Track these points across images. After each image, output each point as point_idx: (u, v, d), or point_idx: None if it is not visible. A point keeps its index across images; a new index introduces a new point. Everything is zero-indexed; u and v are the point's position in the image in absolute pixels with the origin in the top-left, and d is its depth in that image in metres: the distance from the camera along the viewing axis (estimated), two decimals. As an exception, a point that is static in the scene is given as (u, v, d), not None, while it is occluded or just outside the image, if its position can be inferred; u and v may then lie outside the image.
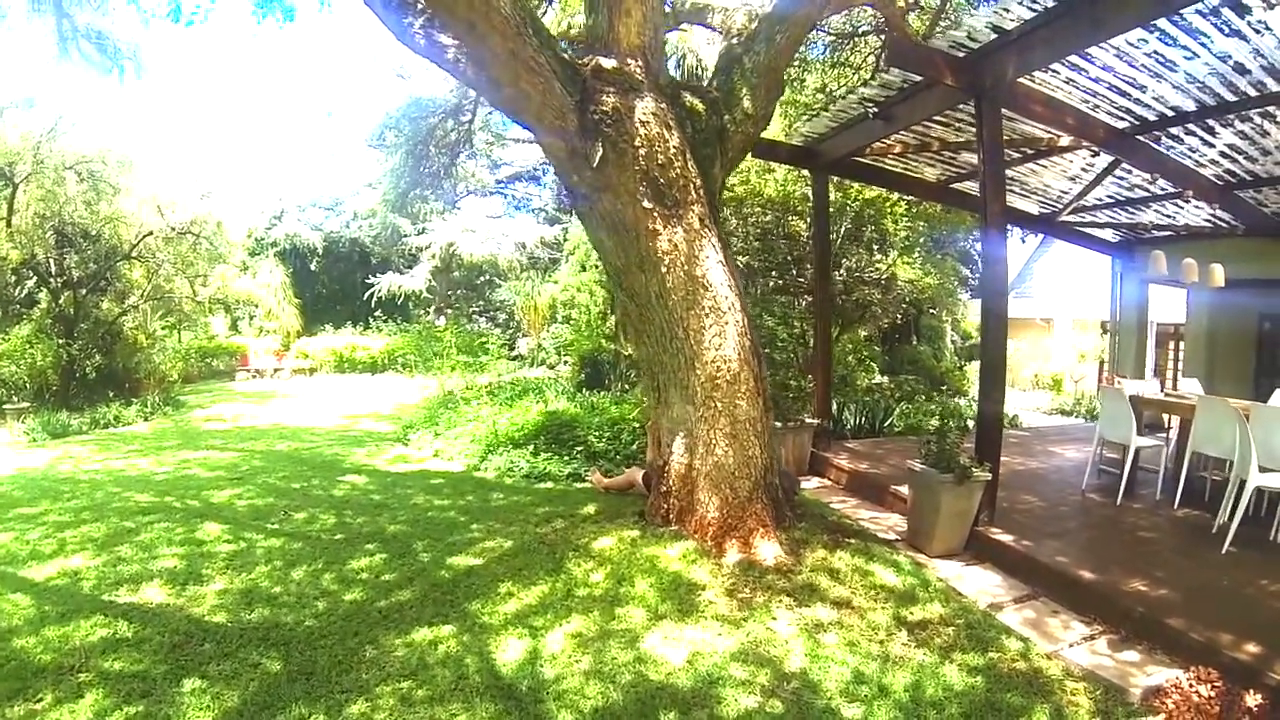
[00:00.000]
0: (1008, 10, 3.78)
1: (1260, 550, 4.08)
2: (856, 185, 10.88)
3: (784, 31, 4.26)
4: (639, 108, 3.76)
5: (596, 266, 15.66)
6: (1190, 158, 5.55)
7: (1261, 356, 7.33)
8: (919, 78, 4.79)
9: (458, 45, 4.26)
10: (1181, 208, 6.79)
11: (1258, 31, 3.55)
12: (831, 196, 10.74)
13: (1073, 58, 4.17)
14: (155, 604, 3.31)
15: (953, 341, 17.50)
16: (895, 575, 3.86)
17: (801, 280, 11.20)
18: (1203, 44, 3.75)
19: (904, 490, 5.15)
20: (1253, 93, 4.15)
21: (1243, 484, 4.11)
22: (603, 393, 9.76)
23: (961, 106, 5.11)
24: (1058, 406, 12.26)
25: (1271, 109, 4.33)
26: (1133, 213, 7.31)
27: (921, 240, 13.91)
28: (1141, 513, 4.93)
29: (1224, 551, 4.01)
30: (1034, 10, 3.70)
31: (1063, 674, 2.94)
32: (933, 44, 4.26)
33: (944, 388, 14.50)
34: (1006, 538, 4.29)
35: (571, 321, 15.42)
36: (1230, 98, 4.30)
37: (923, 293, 13.46)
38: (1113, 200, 7.15)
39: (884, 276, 12.38)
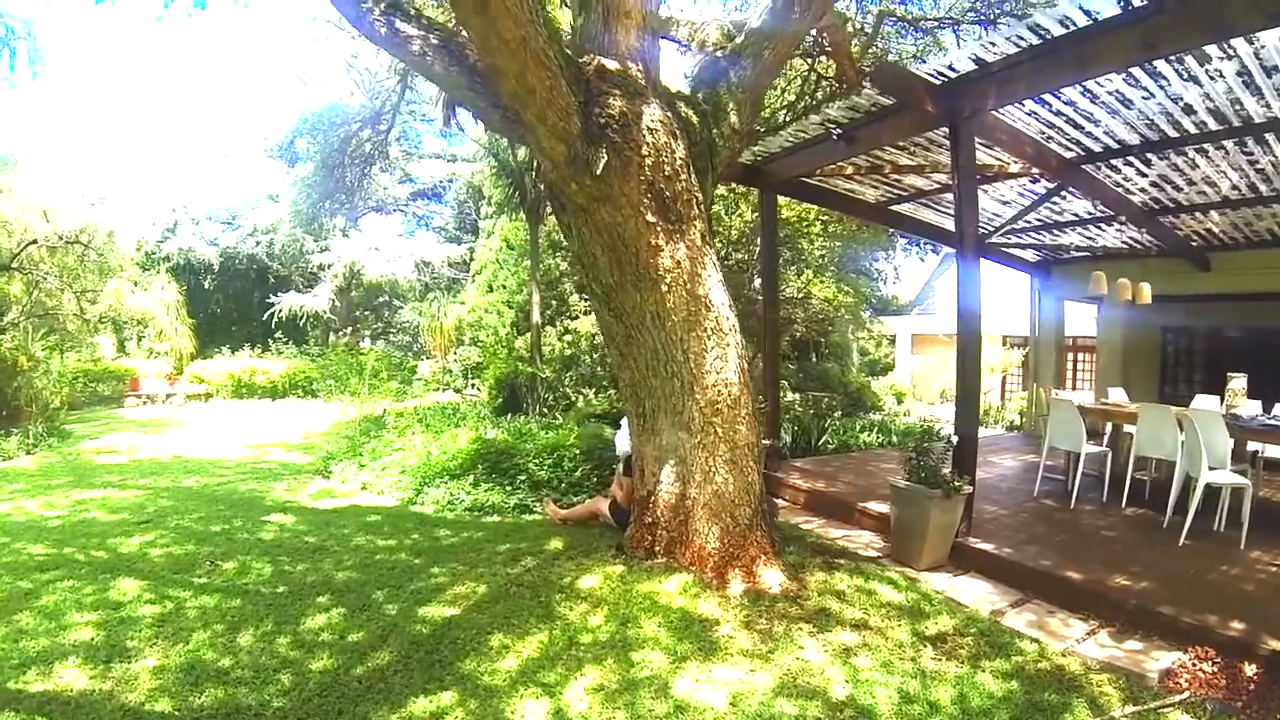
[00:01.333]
0: (994, 44, 4.08)
1: (1211, 540, 4.61)
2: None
3: (772, 48, 4.37)
4: (646, 114, 3.71)
5: (505, 287, 15.97)
6: (1123, 185, 6.23)
7: (1165, 366, 8.40)
8: (888, 101, 5.15)
9: (424, 37, 4.11)
10: (1104, 230, 7.69)
11: (1212, 78, 4.07)
12: (749, 216, 11.40)
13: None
14: (77, 691, 2.79)
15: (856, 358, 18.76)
16: (896, 592, 3.99)
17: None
18: (1160, 85, 4.24)
19: (873, 508, 5.44)
20: (1193, 130, 4.75)
21: (1191, 481, 4.66)
22: (523, 417, 9.75)
23: (927, 134, 5.52)
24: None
25: (1207, 145, 4.98)
26: (1056, 235, 8.18)
27: (835, 259, 14.90)
28: (1096, 514, 5.41)
29: (1181, 544, 4.51)
30: (1018, 46, 4.01)
31: (1083, 669, 3.16)
32: (915, 70, 4.57)
33: (862, 404, 15.44)
34: (987, 546, 4.58)
35: (480, 343, 15.39)
36: (1173, 134, 4.89)
37: (836, 310, 14.38)
38: (1041, 223, 7.96)
39: (801, 294, 13.15)
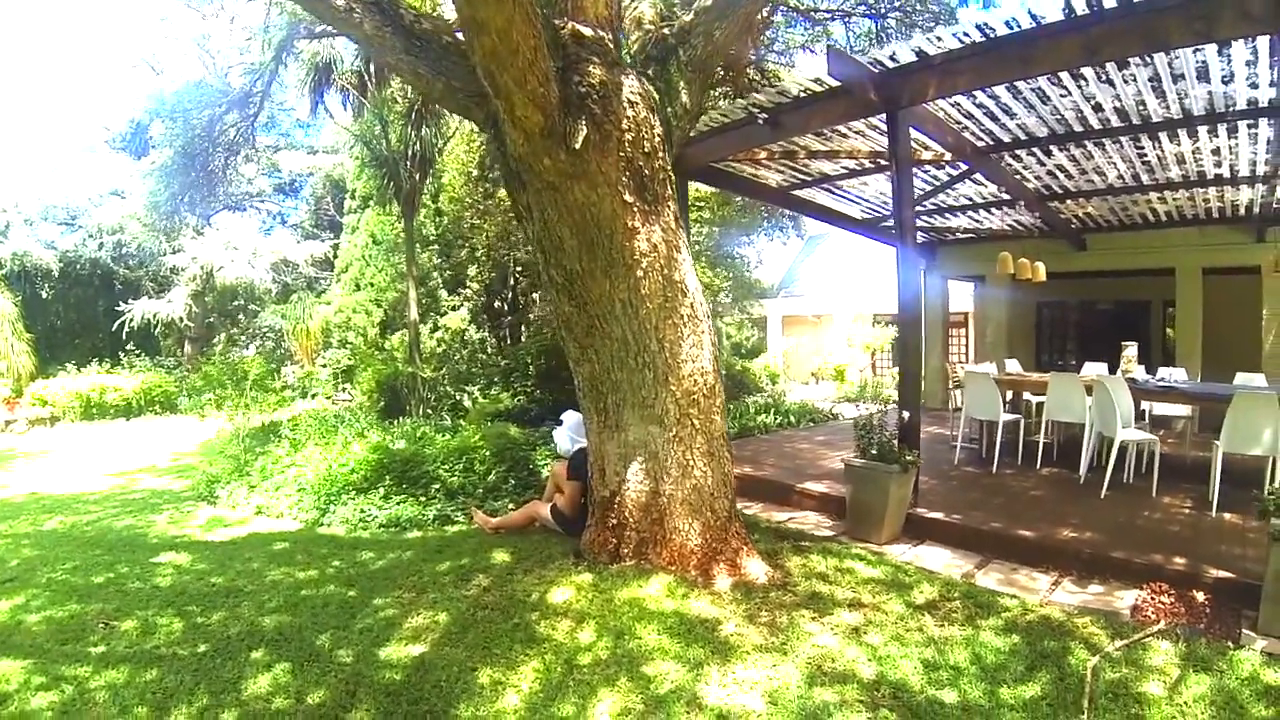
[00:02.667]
0: (940, 39, 4.38)
1: (1126, 491, 5.29)
2: None
3: (723, 27, 4.40)
4: (626, 86, 3.57)
5: (372, 284, 15.44)
6: (1020, 173, 6.96)
7: (1040, 337, 9.59)
8: (818, 88, 5.40)
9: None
10: (991, 214, 8.61)
11: (1126, 82, 4.62)
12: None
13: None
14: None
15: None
16: (871, 568, 4.19)
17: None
18: (1079, 85, 4.76)
19: (812, 488, 5.74)
20: (1097, 126, 5.39)
21: (1104, 440, 5.37)
22: (408, 420, 9.33)
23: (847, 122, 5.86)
24: (844, 395, 14.18)
25: (1105, 140, 5.68)
26: (947, 218, 9.05)
27: (709, 245, 15.60)
28: (1018, 477, 6.03)
29: (1103, 496, 5.14)
30: (963, 42, 4.32)
31: (1065, 615, 3.50)
32: (858, 58, 4.82)
33: (745, 386, 16.20)
34: (936, 515, 4.94)
35: (350, 345, 14.64)
36: (1078, 129, 5.52)
37: (715, 295, 15.09)
38: (936, 207, 8.75)
39: None
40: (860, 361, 19.91)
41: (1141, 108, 5.11)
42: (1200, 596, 3.64)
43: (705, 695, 2.88)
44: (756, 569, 4.04)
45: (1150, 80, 4.64)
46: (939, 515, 4.98)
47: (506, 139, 3.63)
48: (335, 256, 17.13)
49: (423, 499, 5.76)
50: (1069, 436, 6.32)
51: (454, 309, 13.47)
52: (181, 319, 17.86)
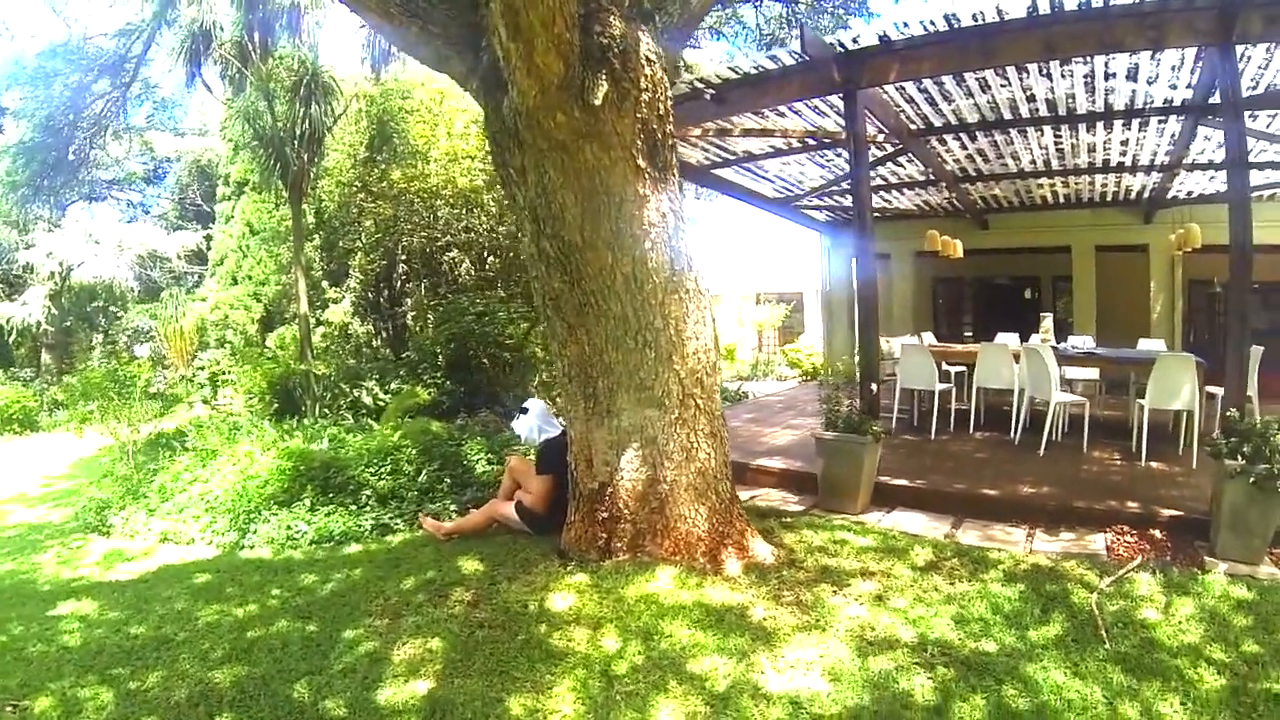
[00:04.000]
0: (907, 25, 4.55)
1: (1060, 449, 5.84)
2: None
3: None
4: (644, 42, 3.39)
5: (250, 277, 14.23)
6: (943, 156, 7.45)
7: (937, 310, 10.44)
8: (770, 65, 5.48)
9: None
10: (903, 194, 9.22)
11: (1063, 77, 5.04)
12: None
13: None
14: None
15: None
16: (861, 537, 4.33)
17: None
18: (1021, 76, 5.13)
19: (769, 464, 5.88)
20: (1025, 115, 5.87)
21: (1038, 403, 5.94)
22: (306, 421, 8.65)
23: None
24: (736, 374, 14.60)
25: (1028, 128, 6.21)
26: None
27: None
28: (957, 442, 6.48)
29: (1042, 454, 5.66)
30: (926, 30, 4.53)
31: (1052, 561, 3.85)
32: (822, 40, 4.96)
33: None
34: (900, 482, 5.21)
35: (229, 345, 13.27)
36: (1008, 116, 5.98)
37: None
38: (847, 187, 9.23)
39: None
40: (750, 340, 20.68)
41: (1070, 100, 5.65)
42: (1158, 534, 4.14)
43: (766, 684, 2.84)
44: (763, 549, 4.05)
45: (1085, 76, 5.14)
46: (903, 482, 5.26)
47: (512, 90, 3.35)
48: (209, 248, 15.44)
49: (353, 508, 5.29)
50: (990, 403, 6.92)
51: (336, 302, 12.58)
52: (39, 324, 15.63)
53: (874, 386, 5.31)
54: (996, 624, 3.21)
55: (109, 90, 8.33)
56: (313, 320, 12.16)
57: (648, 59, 3.48)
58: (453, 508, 5.29)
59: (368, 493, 5.46)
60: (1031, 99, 5.68)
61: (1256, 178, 7.25)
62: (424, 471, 5.79)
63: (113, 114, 8.73)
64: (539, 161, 3.54)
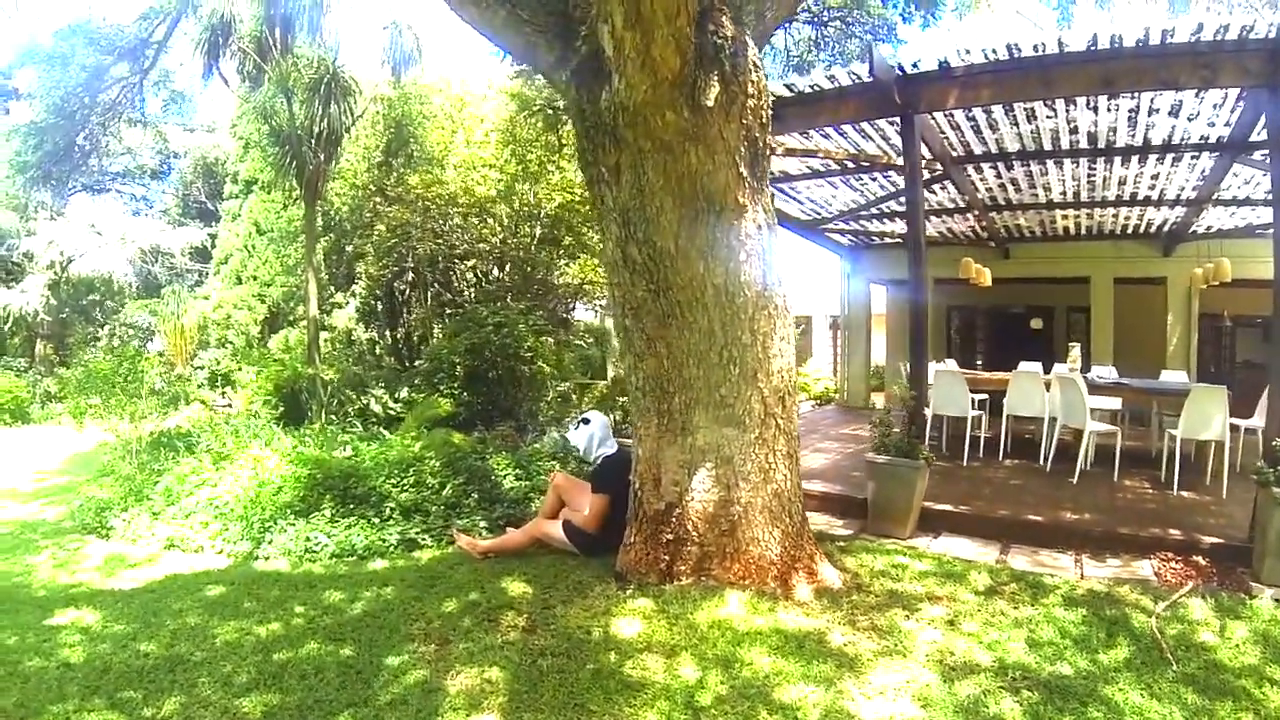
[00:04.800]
0: (968, 52, 4.71)
1: (1090, 477, 5.96)
2: (548, 188, 11.79)
3: (773, 9, 4.28)
4: (750, 46, 3.41)
5: (255, 278, 14.17)
6: (976, 184, 7.63)
7: (950, 338, 10.67)
8: (826, 85, 5.54)
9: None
10: (930, 221, 9.34)
11: (1109, 110, 5.21)
12: (517, 203, 11.54)
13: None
14: None
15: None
16: (918, 561, 4.38)
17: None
18: (1068, 108, 5.30)
19: (810, 488, 5.81)
20: (1066, 147, 6.05)
21: (1070, 432, 6.10)
22: (314, 428, 8.48)
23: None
24: None
25: (1065, 159, 6.37)
26: (884, 223, 9.79)
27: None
28: (989, 468, 6.60)
29: (1075, 481, 5.80)
30: (987, 58, 4.69)
31: (1106, 586, 3.96)
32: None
33: None
34: (945, 507, 5.28)
35: (230, 345, 13.08)
36: (1048, 147, 6.15)
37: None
38: (881, 212, 9.39)
39: (582, 282, 13.74)
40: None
41: (1111, 134, 5.86)
42: (1202, 560, 4.28)
43: (858, 711, 2.85)
44: (831, 574, 4.05)
45: (1130, 111, 5.34)
46: (947, 507, 5.34)
47: (618, 83, 3.30)
48: (214, 246, 15.24)
49: (375, 521, 5.18)
50: (1014, 430, 7.10)
51: (340, 307, 12.51)
52: (36, 313, 15.33)
53: (926, 412, 5.42)
54: (1067, 647, 3.30)
55: (127, 75, 8.20)
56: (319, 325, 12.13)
57: (755, 64, 3.50)
58: (482, 524, 5.22)
59: (391, 505, 5.34)
60: (1074, 130, 5.86)
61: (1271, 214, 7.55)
62: (449, 485, 5.71)
63: (128, 101, 8.60)
64: (637, 161, 3.50)
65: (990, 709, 2.85)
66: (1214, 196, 7.09)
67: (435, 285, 12.81)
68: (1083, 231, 9.52)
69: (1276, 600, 3.76)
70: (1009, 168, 7.01)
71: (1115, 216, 8.56)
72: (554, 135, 11.68)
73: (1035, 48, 4.56)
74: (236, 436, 7.20)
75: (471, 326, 10.28)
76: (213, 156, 17.77)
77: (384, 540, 4.92)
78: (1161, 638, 3.37)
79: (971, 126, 6.06)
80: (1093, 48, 4.42)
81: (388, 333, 12.99)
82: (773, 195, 4.41)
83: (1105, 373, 7.62)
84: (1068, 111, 5.49)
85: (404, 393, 10.87)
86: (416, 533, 5.04)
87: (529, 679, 3.04)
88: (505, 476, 6.11)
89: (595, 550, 4.37)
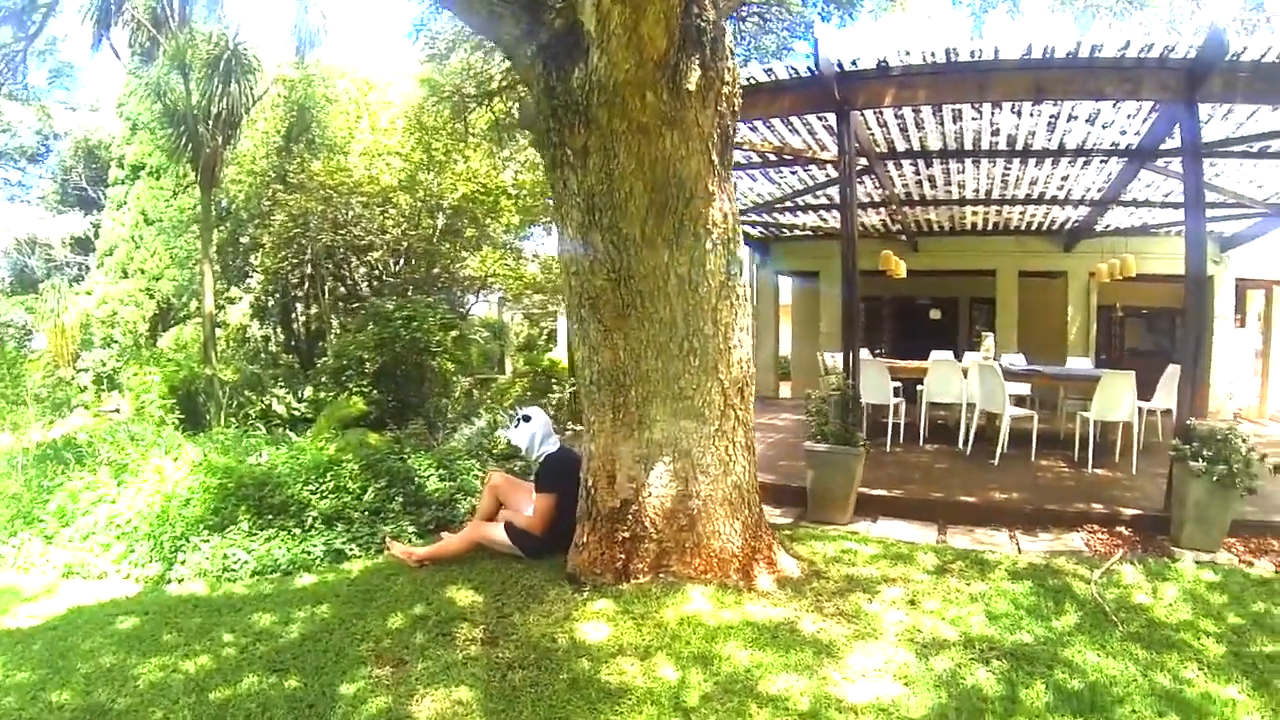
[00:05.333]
0: (909, 54, 4.83)
1: (1009, 459, 6.27)
2: (452, 178, 11.47)
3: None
4: (728, 33, 3.35)
5: (143, 271, 12.96)
6: (894, 180, 7.88)
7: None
8: (763, 78, 5.52)
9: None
10: (836, 214, 9.66)
11: (1031, 115, 5.48)
12: (421, 193, 11.15)
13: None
14: None
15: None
16: (865, 546, 4.48)
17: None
18: (994, 111, 5.53)
19: None
20: (985, 147, 6.35)
21: (991, 417, 6.40)
22: (220, 432, 7.87)
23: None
24: None
25: (983, 159, 6.70)
26: (796, 215, 10.00)
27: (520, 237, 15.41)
28: (913, 453, 6.85)
29: (996, 463, 6.12)
30: (925, 60, 4.84)
31: (1044, 559, 4.22)
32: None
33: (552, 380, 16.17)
34: (879, 492, 5.39)
35: (116, 345, 11.84)
36: (969, 147, 6.42)
37: (528, 288, 15.05)
38: (793, 205, 9.58)
39: (486, 274, 13.42)
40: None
41: (1030, 137, 6.18)
42: (1125, 530, 4.61)
43: (845, 696, 2.86)
44: (789, 563, 4.05)
45: (1051, 117, 5.65)
46: (881, 492, 5.46)
47: (597, 61, 3.16)
48: (96, 237, 13.66)
49: (296, 532, 4.73)
50: (932, 416, 7.41)
51: (234, 302, 11.56)
52: None
53: (863, 400, 5.52)
54: (1022, 617, 3.46)
55: (11, 41, 7.16)
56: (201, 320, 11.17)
57: (731, 50, 3.45)
58: (411, 530, 4.89)
59: (312, 514, 4.90)
60: (996, 133, 6.16)
61: (1164, 215, 8.31)
62: (370, 489, 5.31)
63: (10, 72, 7.53)
64: (608, 144, 3.35)
65: (967, 680, 2.93)
66: (1119, 197, 7.65)
67: (333, 279, 12.10)
68: (989, 227, 10.10)
69: (1197, 562, 4.08)
70: (929, 165, 7.29)
71: (1022, 214, 9.13)
72: (460, 123, 11.26)
73: (972, 53, 4.73)
74: (134, 445, 6.43)
75: (379, 320, 9.71)
76: (96, 139, 16.03)
77: (308, 553, 4.50)
78: (1104, 602, 3.60)
79: (899, 124, 6.23)
80: (1026, 57, 4.63)
81: (282, 329, 12.11)
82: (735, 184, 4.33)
83: (1015, 360, 8.10)
84: (992, 114, 5.75)
85: (308, 392, 10.16)
86: (343, 543, 4.64)
87: (503, 695, 2.85)
88: (428, 478, 5.76)
89: (541, 552, 4.21)
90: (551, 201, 3.96)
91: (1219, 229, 8.93)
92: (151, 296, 11.95)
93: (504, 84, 11.30)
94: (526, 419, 4.54)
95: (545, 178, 3.98)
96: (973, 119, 5.84)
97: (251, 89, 9.22)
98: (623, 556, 3.82)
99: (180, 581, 4.30)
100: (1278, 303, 10.24)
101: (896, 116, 6.03)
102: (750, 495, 4.01)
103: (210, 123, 8.71)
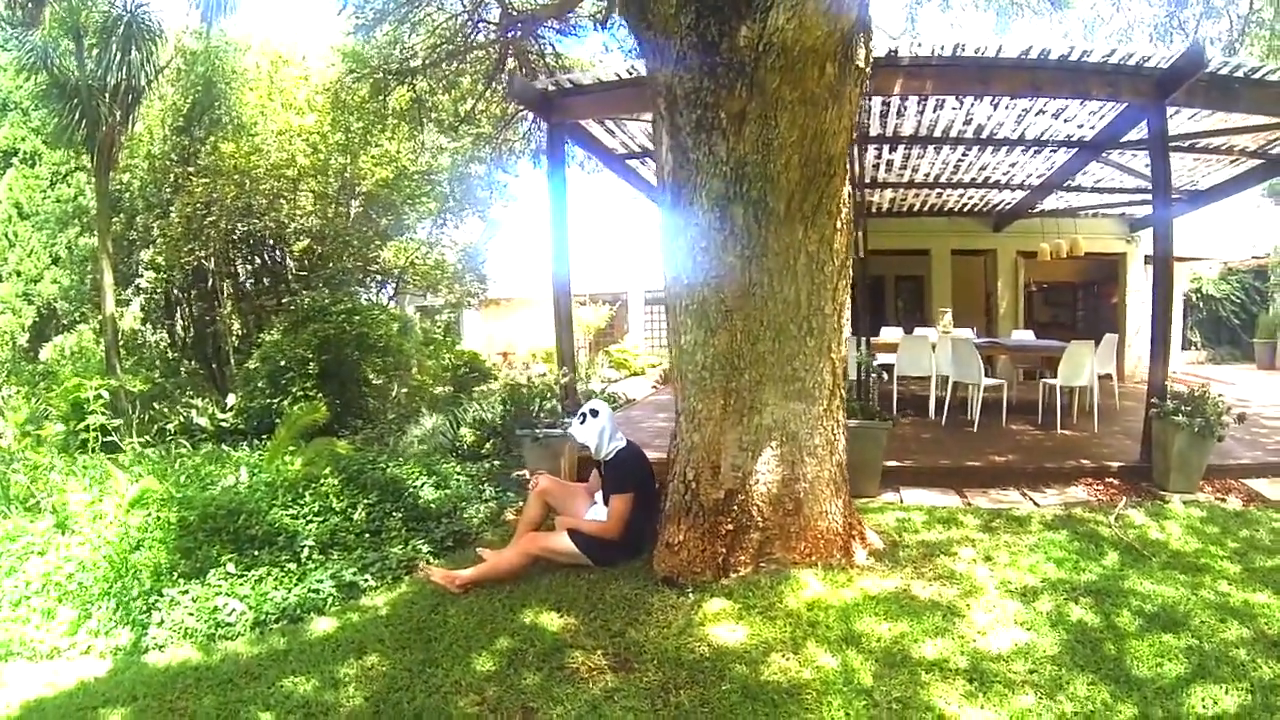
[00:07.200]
0: (920, 45, 5.18)
1: (985, 426, 6.87)
2: (369, 162, 10.91)
3: None
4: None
5: (19, 274, 11.25)
6: (859, 163, 8.31)
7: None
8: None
9: None
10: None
11: (1007, 109, 5.97)
12: (334, 179, 10.41)
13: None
14: None
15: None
16: (915, 514, 4.76)
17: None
18: (971, 103, 5.99)
19: None
20: (953, 135, 6.83)
21: (966, 388, 7.01)
22: (145, 451, 6.87)
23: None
24: (558, 377, 14.52)
25: (944, 145, 7.19)
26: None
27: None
28: (896, 425, 7.35)
29: (976, 430, 6.72)
30: (932, 52, 5.16)
31: (1062, 509, 4.67)
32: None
33: (486, 375, 15.77)
34: (891, 463, 5.80)
35: None
36: (937, 134, 6.84)
37: (445, 277, 14.59)
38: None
39: (404, 266, 12.90)
40: (579, 342, 20.68)
41: (999, 127, 6.74)
42: (1115, 481, 5.25)
43: (988, 647, 3.07)
44: (873, 537, 4.18)
45: (1022, 110, 6.21)
46: (893, 463, 5.87)
47: (779, 21, 3.04)
48: None
49: (291, 567, 4.10)
50: (901, 389, 8.01)
51: (125, 304, 10.10)
52: None
53: (887, 380, 5.86)
54: (1078, 560, 3.91)
55: None
56: (94, 326, 9.67)
57: (868, 31, 3.47)
58: (425, 549, 4.43)
59: (305, 543, 4.29)
60: (968, 121, 6.65)
61: (1090, 199, 9.36)
62: (360, 506, 4.80)
63: None
64: (768, 111, 3.25)
65: (1073, 617, 3.29)
66: (1063, 184, 8.53)
67: (243, 274, 10.95)
68: (926, 209, 10.86)
69: (1184, 502, 4.76)
70: (893, 149, 7.74)
71: (960, 196, 9.92)
72: (380, 102, 10.55)
73: (977, 50, 5.10)
74: (36, 478, 5.33)
75: (316, 317, 8.95)
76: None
77: (316, 591, 3.85)
78: (1130, 540, 4.13)
79: (880, 110, 6.58)
80: (1024, 56, 5.07)
81: (185, 331, 10.77)
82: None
83: (965, 334, 8.89)
84: (971, 105, 6.21)
85: (231, 400, 9.17)
86: (353, 573, 4.03)
87: (678, 721, 2.67)
88: (421, 487, 5.32)
89: (615, 559, 3.95)
90: (670, 169, 3.71)
91: (1131, 211, 10.28)
92: (30, 302, 10.18)
93: (428, 61, 10.69)
94: (594, 413, 4.21)
95: (666, 142, 3.66)
96: (953, 109, 6.28)
97: (154, 58, 8.04)
98: (724, 550, 3.74)
99: (161, 649, 3.47)
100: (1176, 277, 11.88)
101: (883, 103, 6.34)
102: (848, 474, 4.12)
103: (108, 96, 7.51)
